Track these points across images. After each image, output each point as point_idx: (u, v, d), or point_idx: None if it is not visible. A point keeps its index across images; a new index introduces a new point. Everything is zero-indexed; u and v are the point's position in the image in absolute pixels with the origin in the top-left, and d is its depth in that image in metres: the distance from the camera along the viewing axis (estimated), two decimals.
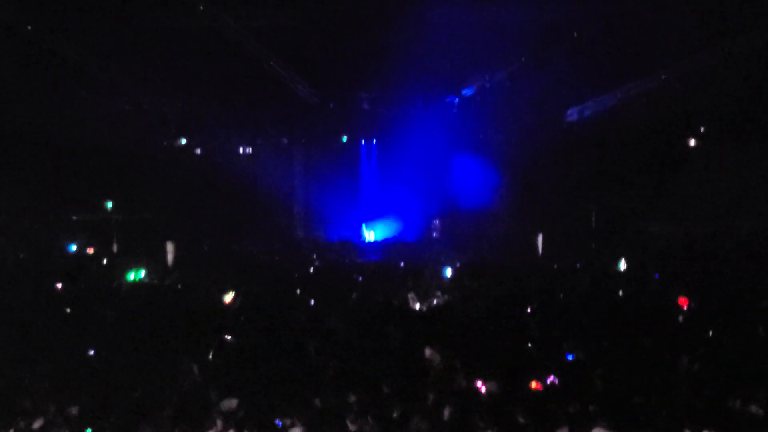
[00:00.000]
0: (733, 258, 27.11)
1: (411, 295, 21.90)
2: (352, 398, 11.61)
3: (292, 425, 10.88)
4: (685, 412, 10.28)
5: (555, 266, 28.43)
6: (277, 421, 10.98)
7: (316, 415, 11.25)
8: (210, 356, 15.57)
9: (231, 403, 11.71)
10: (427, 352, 14.30)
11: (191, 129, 35.18)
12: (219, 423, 10.82)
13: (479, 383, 12.31)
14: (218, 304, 21.49)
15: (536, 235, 33.27)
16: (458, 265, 29.44)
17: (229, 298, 21.91)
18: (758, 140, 29.62)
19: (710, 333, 15.96)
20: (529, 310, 19.51)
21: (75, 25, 25.25)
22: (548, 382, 12.35)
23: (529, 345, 15.25)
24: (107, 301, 21.35)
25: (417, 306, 21.15)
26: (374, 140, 37.36)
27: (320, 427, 10.65)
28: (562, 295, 21.45)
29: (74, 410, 11.67)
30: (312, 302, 21.43)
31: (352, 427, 10.56)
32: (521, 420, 10.27)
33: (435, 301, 21.56)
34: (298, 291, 23.08)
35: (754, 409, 10.57)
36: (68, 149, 30.52)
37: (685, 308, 19.18)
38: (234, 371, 14.12)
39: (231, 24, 26.14)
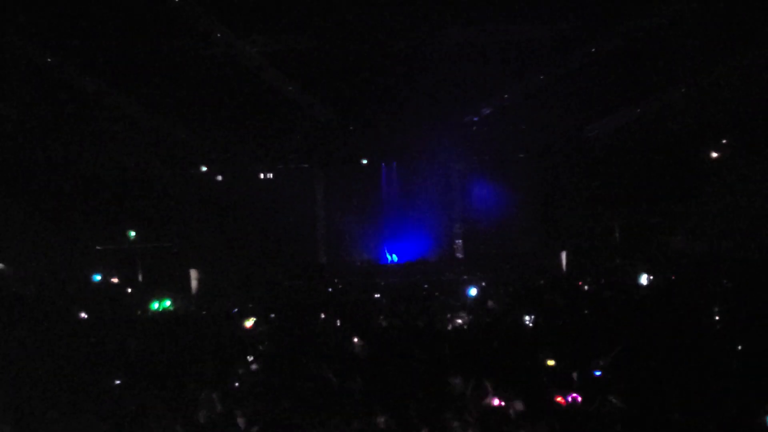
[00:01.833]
0: (759, 271, 26.88)
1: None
2: (379, 421, 11.54)
3: None
4: (714, 426, 10.17)
5: (579, 283, 28.31)
6: None
7: None
8: (236, 382, 15.58)
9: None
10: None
11: (211, 156, 35.34)
12: None
13: (504, 403, 12.24)
14: (243, 331, 21.54)
15: (559, 252, 33.16)
16: (483, 284, 29.38)
17: (250, 323, 21.96)
18: None
19: (738, 347, 15.80)
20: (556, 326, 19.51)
21: (93, 56, 25.39)
22: (574, 398, 12.26)
23: (555, 362, 15.13)
24: (132, 331, 21.41)
25: (449, 325, 21.12)
26: (394, 162, 37.39)
27: None
28: (587, 312, 21.34)
29: None
30: (336, 325, 21.41)
31: None
32: None
33: (460, 321, 21.45)
34: (322, 315, 23.06)
35: None
36: (90, 180, 30.73)
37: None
38: (260, 396, 14.11)
39: (248, 50, 26.20)
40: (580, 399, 12.25)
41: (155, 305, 26.70)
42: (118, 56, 25.87)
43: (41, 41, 23.85)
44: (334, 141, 35.54)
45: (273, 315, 23.49)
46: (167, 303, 27.12)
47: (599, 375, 14.00)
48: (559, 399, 12.25)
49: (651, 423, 10.56)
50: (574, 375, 14.03)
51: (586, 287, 27.73)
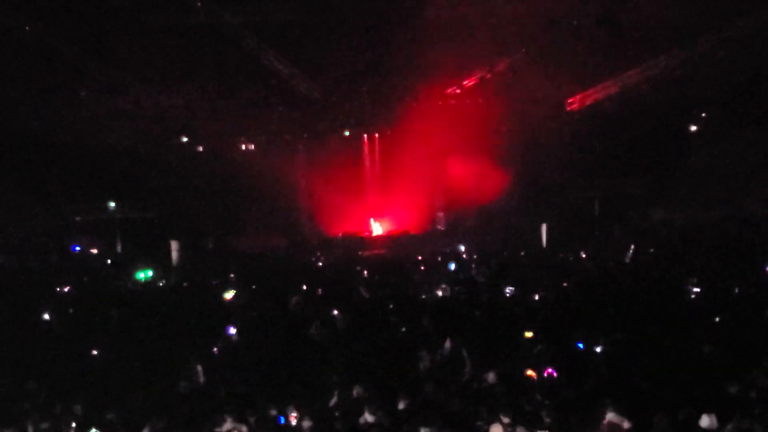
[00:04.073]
0: (738, 242, 27.12)
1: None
2: (359, 391, 11.58)
3: (301, 419, 10.87)
4: (694, 396, 10.26)
5: (561, 255, 28.43)
6: (281, 418, 10.98)
7: (324, 408, 11.26)
8: (216, 353, 15.61)
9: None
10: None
11: (193, 127, 35.14)
12: (227, 418, 10.77)
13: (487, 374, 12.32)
14: (224, 302, 21.55)
15: (540, 226, 33.24)
16: (464, 257, 29.45)
17: (229, 295, 21.98)
18: (759, 124, 29.54)
19: (717, 319, 15.93)
20: (535, 298, 19.62)
21: (74, 25, 25.19)
22: (555, 370, 12.34)
23: (536, 334, 15.22)
24: (112, 301, 21.36)
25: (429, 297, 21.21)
26: (377, 134, 37.31)
27: (328, 419, 10.64)
28: (566, 284, 21.44)
29: (79, 409, 11.67)
30: (319, 297, 21.43)
31: (365, 418, 10.52)
32: (528, 409, 10.25)
33: (440, 293, 21.53)
34: (304, 286, 23.07)
35: (757, 393, 10.52)
36: (70, 150, 30.49)
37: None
38: (241, 367, 14.15)
39: (231, 20, 26.07)
40: (555, 374, 12.32)
41: (136, 275, 26.63)
42: (99, 25, 25.69)
43: (20, 9, 23.63)
44: (316, 112, 35.43)
45: (254, 287, 23.50)
46: (147, 273, 27.04)
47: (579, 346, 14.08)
48: (530, 373, 12.32)
49: (632, 394, 10.64)
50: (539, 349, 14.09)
51: (565, 259, 27.87)
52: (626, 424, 9.48)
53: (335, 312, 18.43)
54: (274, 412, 11.12)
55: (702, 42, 28.51)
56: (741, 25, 27.35)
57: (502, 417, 9.64)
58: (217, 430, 10.49)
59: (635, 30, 28.24)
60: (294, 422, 10.89)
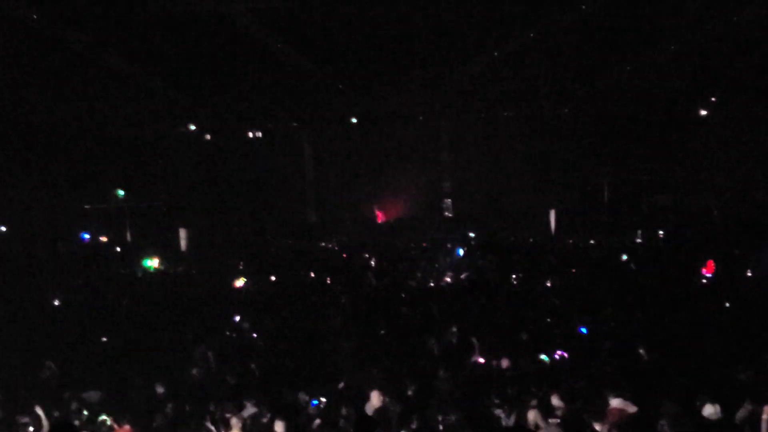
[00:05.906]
0: (747, 228, 27.06)
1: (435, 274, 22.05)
2: (368, 377, 11.58)
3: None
4: (700, 382, 10.23)
5: (570, 241, 28.43)
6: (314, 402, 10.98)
7: (333, 392, 11.28)
8: (226, 339, 15.66)
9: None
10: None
11: (200, 115, 35.12)
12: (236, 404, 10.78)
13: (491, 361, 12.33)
14: (232, 289, 21.63)
15: (549, 211, 33.20)
16: (472, 242, 29.46)
17: (240, 283, 22.06)
18: None
19: (726, 304, 15.91)
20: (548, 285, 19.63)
21: (81, 13, 25.13)
22: (563, 355, 12.34)
23: (545, 319, 15.24)
24: (122, 289, 21.46)
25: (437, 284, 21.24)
26: (384, 120, 37.24)
27: (338, 404, 10.65)
28: (575, 270, 21.45)
29: (91, 396, 11.73)
30: (327, 284, 21.48)
31: (373, 403, 10.51)
32: (536, 392, 10.23)
33: (448, 280, 21.54)
34: (312, 273, 23.12)
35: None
36: (78, 138, 30.53)
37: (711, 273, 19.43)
38: (250, 353, 14.19)
39: (236, 7, 25.98)
40: (567, 356, 12.33)
41: (145, 263, 26.73)
42: (105, 12, 25.63)
43: None
44: (323, 99, 35.34)
45: (262, 274, 23.57)
46: (156, 261, 27.14)
47: (587, 332, 14.08)
48: (544, 356, 12.32)
49: (639, 380, 10.63)
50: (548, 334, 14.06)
51: (575, 245, 27.87)
52: (631, 409, 9.44)
53: (344, 298, 18.50)
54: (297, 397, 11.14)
55: (711, 27, 28.34)
56: (750, 10, 27.16)
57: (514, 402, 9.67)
58: (227, 416, 10.49)
59: (644, 14, 28.08)
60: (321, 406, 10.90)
